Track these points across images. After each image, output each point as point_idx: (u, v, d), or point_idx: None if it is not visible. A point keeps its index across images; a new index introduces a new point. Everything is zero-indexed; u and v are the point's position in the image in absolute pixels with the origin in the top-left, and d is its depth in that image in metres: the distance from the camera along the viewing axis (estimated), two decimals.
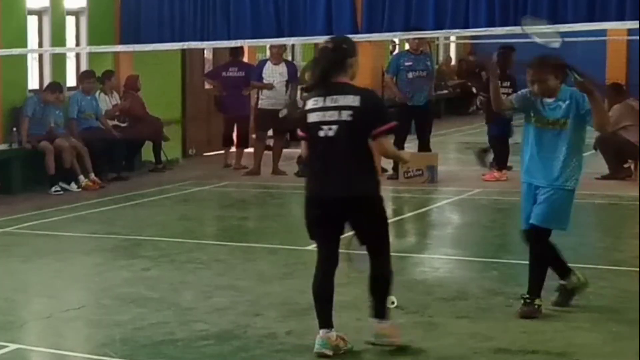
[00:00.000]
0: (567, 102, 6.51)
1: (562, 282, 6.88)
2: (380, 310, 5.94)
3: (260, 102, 14.61)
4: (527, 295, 6.61)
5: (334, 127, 5.71)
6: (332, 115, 5.71)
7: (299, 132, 6.00)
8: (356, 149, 5.76)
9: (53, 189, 12.85)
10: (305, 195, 5.93)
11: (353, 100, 5.72)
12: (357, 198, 5.79)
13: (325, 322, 5.86)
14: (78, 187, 13.13)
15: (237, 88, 15.09)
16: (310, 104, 5.80)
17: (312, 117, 5.78)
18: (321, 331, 5.86)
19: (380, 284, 5.96)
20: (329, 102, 5.73)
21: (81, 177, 13.22)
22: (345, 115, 5.70)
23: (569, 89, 6.58)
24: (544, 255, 6.69)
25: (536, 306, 6.58)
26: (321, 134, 5.74)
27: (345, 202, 5.78)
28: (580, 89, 6.41)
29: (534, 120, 6.63)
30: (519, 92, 6.80)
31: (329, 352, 5.80)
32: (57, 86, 13.53)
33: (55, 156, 12.97)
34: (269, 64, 14.50)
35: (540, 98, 6.60)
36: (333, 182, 5.77)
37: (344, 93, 5.74)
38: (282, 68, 14.49)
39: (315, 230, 5.93)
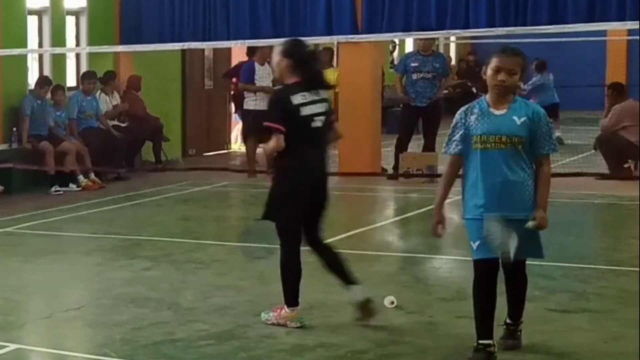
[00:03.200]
0: (524, 119, 5.50)
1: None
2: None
3: (250, 103, 14.44)
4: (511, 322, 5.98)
5: (322, 118, 6.31)
6: (320, 107, 6.30)
7: (276, 126, 6.25)
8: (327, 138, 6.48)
9: (53, 189, 12.86)
10: (294, 181, 6.33)
11: (325, 94, 6.40)
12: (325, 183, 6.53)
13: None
14: (78, 187, 13.14)
15: None
16: (299, 99, 6.24)
17: (305, 111, 6.24)
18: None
19: (336, 264, 6.59)
20: (314, 95, 6.29)
21: (80, 177, 13.24)
22: (326, 107, 6.38)
23: (529, 105, 5.66)
24: (525, 282, 5.89)
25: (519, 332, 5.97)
26: (314, 125, 6.27)
27: (323, 187, 6.47)
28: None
29: (479, 142, 5.55)
30: (453, 135, 5.66)
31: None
32: (46, 80, 13.53)
33: (56, 158, 13.00)
34: (257, 65, 14.40)
35: (486, 107, 5.58)
36: (320, 169, 6.44)
37: (321, 88, 6.38)
38: (268, 68, 14.46)
39: (299, 210, 6.39)
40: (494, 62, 5.53)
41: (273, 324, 6.43)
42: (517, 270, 5.74)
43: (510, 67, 5.51)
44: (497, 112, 5.56)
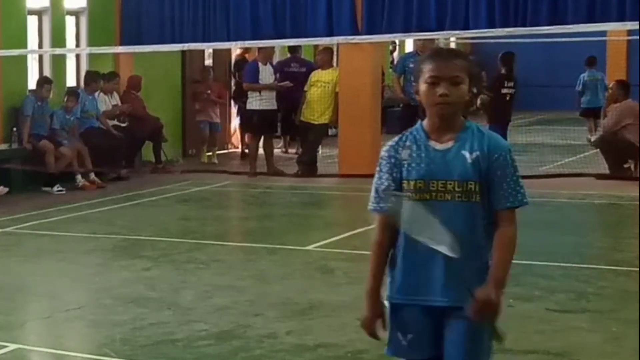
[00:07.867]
0: (476, 154, 3.64)
1: None
2: None
3: (254, 103, 14.38)
4: None
5: None
6: None
7: None
8: None
9: (55, 188, 12.87)
10: None
11: None
12: None
13: None
14: (77, 183, 13.15)
15: (300, 83, 14.90)
16: None
17: None
18: None
19: None
20: None
21: (78, 177, 13.25)
22: None
23: (485, 134, 3.74)
24: None
25: None
26: None
27: None
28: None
29: (413, 190, 3.68)
30: (382, 182, 3.86)
31: None
32: (45, 80, 13.53)
33: (55, 158, 13.02)
34: (260, 65, 14.37)
35: (423, 138, 3.71)
36: None
37: None
38: (270, 68, 14.44)
39: None
40: (427, 72, 3.65)
41: None
42: None
43: (452, 73, 3.65)
44: (439, 147, 3.70)
